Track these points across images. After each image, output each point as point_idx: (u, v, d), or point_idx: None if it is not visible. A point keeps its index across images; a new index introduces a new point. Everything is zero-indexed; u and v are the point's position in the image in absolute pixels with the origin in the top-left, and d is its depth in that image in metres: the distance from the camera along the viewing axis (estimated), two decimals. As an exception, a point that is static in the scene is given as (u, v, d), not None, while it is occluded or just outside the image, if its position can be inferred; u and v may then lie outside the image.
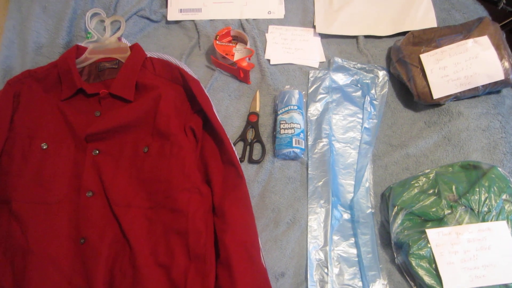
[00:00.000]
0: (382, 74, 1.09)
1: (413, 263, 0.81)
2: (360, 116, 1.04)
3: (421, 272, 0.80)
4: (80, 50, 1.01)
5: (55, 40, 1.13)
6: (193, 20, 1.18)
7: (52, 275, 0.79)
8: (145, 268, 0.79)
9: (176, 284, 0.78)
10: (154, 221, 0.84)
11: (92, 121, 0.92)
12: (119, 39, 1.09)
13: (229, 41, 1.11)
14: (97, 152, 0.90)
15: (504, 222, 0.83)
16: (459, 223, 0.83)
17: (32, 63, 1.10)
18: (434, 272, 0.80)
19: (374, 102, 1.05)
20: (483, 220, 0.83)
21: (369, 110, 1.04)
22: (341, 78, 1.08)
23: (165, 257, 0.80)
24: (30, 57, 1.11)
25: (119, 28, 1.10)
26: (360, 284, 0.85)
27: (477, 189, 0.85)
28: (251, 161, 0.99)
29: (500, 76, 0.95)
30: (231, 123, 1.03)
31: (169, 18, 1.18)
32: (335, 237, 0.91)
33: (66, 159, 0.89)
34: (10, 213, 0.83)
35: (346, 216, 0.93)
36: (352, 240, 0.90)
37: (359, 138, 1.01)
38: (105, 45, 1.02)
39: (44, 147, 0.89)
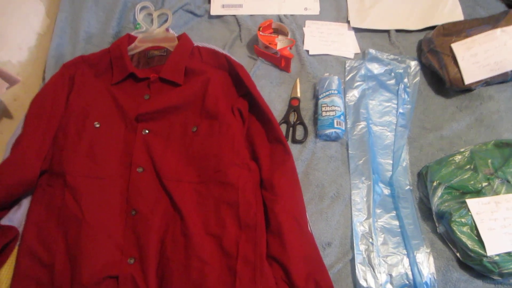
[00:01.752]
0: (414, 64, 1.16)
1: (456, 230, 0.86)
2: (395, 102, 1.11)
3: (464, 238, 0.85)
4: (131, 39, 1.07)
5: (105, 30, 1.20)
6: (234, 15, 1.26)
7: (105, 243, 0.82)
8: (197, 236, 0.81)
9: (228, 251, 0.81)
10: (204, 194, 0.87)
11: (141, 104, 0.96)
12: (167, 30, 1.16)
13: (271, 33, 1.18)
14: (147, 131, 0.94)
15: (539, 192, 0.88)
16: (497, 193, 0.89)
17: (82, 51, 1.16)
18: (476, 237, 0.85)
19: (408, 89, 1.12)
20: (519, 191, 0.89)
21: (403, 96, 1.10)
22: (375, 68, 1.15)
23: (216, 227, 0.83)
24: (81, 45, 1.18)
25: (166, 21, 1.17)
26: (404, 252, 0.90)
27: (512, 163, 0.91)
28: (294, 141, 1.04)
29: (528, 61, 1.02)
30: (273, 107, 1.09)
31: (212, 12, 1.26)
32: (378, 210, 0.96)
33: (117, 138, 0.94)
34: (64, 185, 0.87)
35: (387, 191, 0.99)
36: (394, 213, 0.95)
37: (395, 122, 1.08)
38: (153, 35, 1.08)
39: (97, 126, 0.94)
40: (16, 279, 0.81)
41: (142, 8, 1.20)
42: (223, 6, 1.27)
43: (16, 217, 0.88)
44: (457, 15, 1.21)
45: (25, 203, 0.90)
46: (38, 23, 1.21)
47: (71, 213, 0.84)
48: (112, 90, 0.99)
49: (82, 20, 1.21)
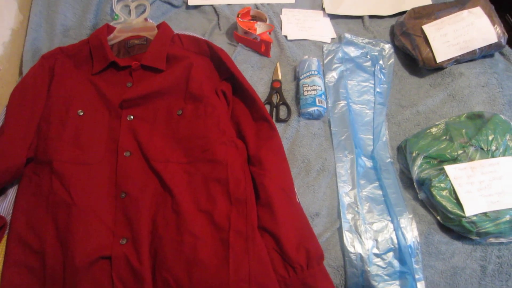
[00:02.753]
0: (388, 47, 1.21)
1: (436, 194, 0.90)
2: (372, 82, 1.15)
3: (443, 201, 0.89)
4: (110, 29, 1.07)
5: (82, 23, 1.20)
6: (212, 5, 1.28)
7: (96, 226, 0.82)
8: (188, 213, 0.82)
9: (220, 225, 0.82)
10: (193, 173, 0.88)
11: (124, 91, 0.96)
12: (146, 19, 1.17)
13: (249, 20, 1.21)
14: (132, 117, 0.94)
15: (510, 157, 0.94)
16: (472, 160, 0.94)
17: (59, 44, 1.15)
18: (455, 200, 0.89)
19: (383, 70, 1.17)
20: (492, 157, 0.94)
21: (379, 77, 1.15)
22: (352, 51, 1.20)
23: (207, 204, 0.84)
24: (58, 38, 1.17)
25: (143, 12, 1.18)
26: (388, 218, 0.93)
27: (484, 132, 0.96)
28: (278, 120, 1.07)
29: (493, 39, 1.09)
30: (256, 89, 1.10)
31: (190, 3, 1.28)
32: (362, 181, 0.99)
33: (102, 125, 0.93)
34: (51, 172, 0.86)
35: (369, 164, 1.02)
36: (377, 184, 0.99)
37: (373, 101, 1.12)
38: (133, 25, 1.08)
39: (81, 114, 0.93)
40: (7, 267, 0.80)
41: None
42: (201, -4, 1.29)
43: (3, 206, 0.88)
44: (426, 1, 1.28)
45: (11, 192, 0.90)
46: (11, 19, 1.20)
47: (60, 198, 0.84)
48: (93, 80, 0.99)
49: (57, 13, 1.20)
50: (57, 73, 0.99)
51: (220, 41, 1.21)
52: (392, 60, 1.19)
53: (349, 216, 0.93)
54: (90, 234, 0.81)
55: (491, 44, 1.10)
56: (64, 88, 0.97)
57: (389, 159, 1.02)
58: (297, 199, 0.90)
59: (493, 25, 1.09)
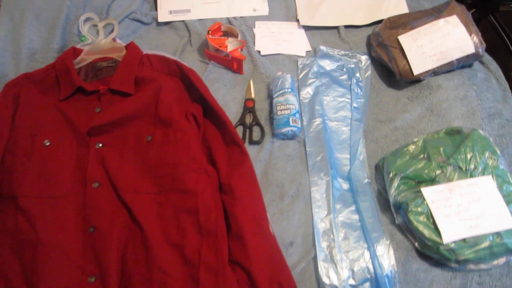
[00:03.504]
0: (364, 58, 1.17)
1: (413, 220, 0.87)
2: (349, 96, 1.12)
3: (420, 227, 0.86)
4: (76, 52, 1.03)
5: (49, 45, 1.16)
6: (183, 21, 1.24)
7: (63, 264, 0.80)
8: (157, 248, 0.80)
9: (190, 260, 0.80)
10: (164, 204, 0.86)
11: (92, 118, 0.93)
12: (114, 40, 1.13)
13: (220, 36, 1.17)
14: (101, 145, 0.91)
15: (490, 176, 0.90)
16: (450, 180, 0.90)
17: (26, 69, 1.12)
18: (433, 226, 0.86)
19: (360, 84, 1.13)
20: (471, 176, 0.91)
21: (356, 91, 1.11)
22: (327, 64, 1.16)
23: (177, 236, 0.82)
24: (24, 63, 1.13)
25: (112, 31, 1.15)
26: (365, 245, 0.90)
27: (463, 149, 0.93)
28: (251, 142, 1.04)
29: (471, 49, 1.06)
30: (229, 109, 1.08)
31: (160, 19, 1.24)
32: (338, 206, 0.96)
33: (69, 154, 0.90)
34: (16, 209, 0.83)
35: (346, 186, 0.99)
36: (353, 207, 0.96)
37: (350, 117, 1.08)
38: (100, 46, 1.05)
39: (47, 144, 0.90)
40: None
41: (86, 19, 1.16)
42: (170, 12, 1.25)
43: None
44: (402, 9, 1.24)
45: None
46: (-24, 43, 1.16)
47: (25, 237, 0.81)
48: (60, 106, 0.96)
49: (23, 37, 1.16)
50: (22, 102, 0.96)
51: (192, 59, 1.17)
52: (369, 72, 1.15)
53: (324, 244, 0.90)
54: (57, 273, 0.79)
55: (468, 55, 1.06)
56: (30, 117, 0.94)
57: (366, 180, 0.99)
58: (270, 228, 0.87)
59: (470, 35, 1.05)
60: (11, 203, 0.85)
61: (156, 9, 1.26)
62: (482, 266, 0.84)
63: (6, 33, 1.18)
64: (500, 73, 1.12)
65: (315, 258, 0.88)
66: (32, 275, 0.78)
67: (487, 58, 1.13)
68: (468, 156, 0.92)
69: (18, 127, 0.93)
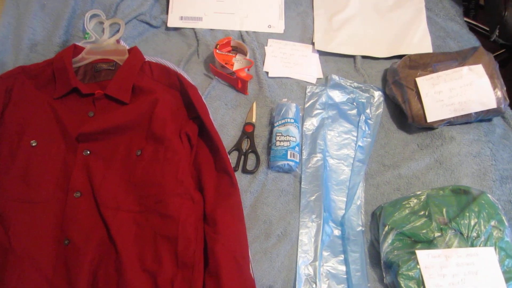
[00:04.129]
0: (377, 94, 1.10)
1: (402, 284, 0.81)
2: (355, 134, 1.05)
3: (409, 293, 0.80)
4: (77, 50, 1.00)
5: (51, 38, 1.11)
6: (193, 28, 1.18)
7: (32, 276, 0.77)
8: (130, 272, 0.77)
9: None
10: (143, 225, 0.83)
11: (85, 121, 0.90)
12: (118, 41, 1.08)
13: (229, 51, 1.11)
14: (88, 152, 0.88)
15: (492, 248, 0.84)
16: (449, 246, 0.84)
17: (25, 60, 1.08)
18: (422, 293, 0.81)
19: (369, 121, 1.06)
20: (472, 245, 0.84)
21: (363, 129, 1.05)
22: (337, 95, 1.09)
23: (152, 263, 0.79)
24: (24, 53, 1.09)
25: (118, 31, 1.10)
26: (348, 302, 0.85)
27: (467, 214, 0.86)
28: (245, 171, 0.98)
29: (492, 104, 0.98)
30: (226, 132, 1.03)
31: (169, 24, 1.18)
32: (325, 253, 0.90)
33: (55, 158, 0.87)
34: None
35: (337, 232, 0.93)
36: (342, 257, 0.90)
37: (353, 156, 1.02)
38: (103, 47, 1.02)
39: (33, 144, 0.87)
40: None
41: (93, 16, 1.12)
42: (181, 18, 1.18)
43: None
44: (426, 46, 1.16)
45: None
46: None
47: None
48: (54, 104, 0.92)
49: (26, 26, 1.11)
50: (14, 96, 0.92)
51: (197, 71, 1.12)
52: (380, 110, 1.08)
53: (305, 294, 0.84)
54: (24, 284, 0.76)
55: (489, 109, 0.98)
56: (20, 113, 0.91)
57: (360, 227, 0.93)
58: (250, 269, 0.83)
59: (494, 89, 0.98)
60: (-12, 205, 0.82)
61: (167, 13, 1.20)
62: None
63: (9, 20, 1.14)
64: (521, 130, 1.04)
65: (292, 308, 0.83)
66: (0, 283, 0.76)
67: (510, 113, 1.05)
68: (472, 222, 0.86)
69: (7, 122, 0.90)
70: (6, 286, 0.75)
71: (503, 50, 1.48)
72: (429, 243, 0.85)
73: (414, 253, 0.83)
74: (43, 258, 0.79)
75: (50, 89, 0.94)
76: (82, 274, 0.78)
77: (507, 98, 0.99)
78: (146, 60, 1.00)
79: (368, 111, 1.08)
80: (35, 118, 0.90)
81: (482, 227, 0.85)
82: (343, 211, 0.95)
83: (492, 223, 0.86)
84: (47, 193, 0.84)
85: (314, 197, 0.95)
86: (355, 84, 1.12)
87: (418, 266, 0.82)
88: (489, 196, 0.89)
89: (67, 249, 0.80)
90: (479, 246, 0.84)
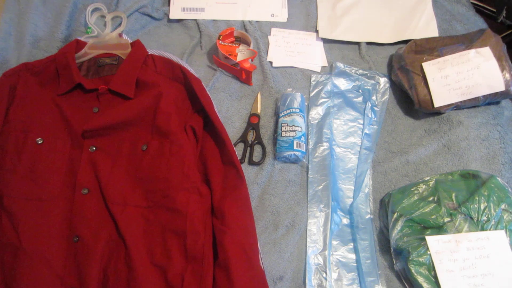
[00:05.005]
0: (383, 81, 1.09)
1: (413, 270, 0.81)
2: (361, 121, 1.04)
3: (420, 279, 0.80)
4: (79, 45, 0.99)
5: (54, 33, 1.11)
6: (195, 20, 1.17)
7: (43, 273, 0.77)
8: (140, 267, 0.77)
9: (172, 285, 0.77)
10: (151, 220, 0.83)
11: (89, 117, 0.90)
12: (120, 35, 1.07)
13: (232, 42, 1.10)
14: (94, 148, 0.88)
15: (503, 231, 0.83)
16: (459, 231, 0.84)
17: (28, 56, 1.08)
18: (433, 279, 0.80)
19: (375, 108, 1.05)
20: (482, 229, 0.84)
21: (369, 116, 1.04)
22: (342, 83, 1.08)
23: (161, 257, 0.79)
24: (27, 50, 1.09)
25: (120, 24, 1.09)
26: (358, 289, 0.85)
27: (477, 198, 0.86)
28: (251, 162, 0.98)
29: (501, 87, 0.96)
30: (231, 124, 1.03)
31: (171, 16, 1.18)
32: (334, 242, 0.90)
33: (62, 155, 0.87)
34: (1, 209, 0.81)
35: (346, 221, 0.93)
36: (351, 246, 0.90)
37: (360, 144, 1.01)
38: (105, 41, 1.01)
39: (39, 142, 0.87)
40: None
41: (94, 10, 1.11)
42: (183, 9, 1.18)
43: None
44: (432, 30, 1.14)
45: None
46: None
47: (7, 240, 0.79)
48: (58, 101, 0.92)
49: (28, 22, 1.11)
50: (18, 94, 0.92)
51: (200, 63, 1.11)
52: (386, 96, 1.07)
53: (315, 283, 0.84)
54: (36, 282, 0.76)
55: (497, 92, 0.97)
56: (25, 111, 0.90)
57: (369, 215, 0.93)
58: (259, 261, 0.83)
59: (502, 71, 0.96)
60: (-4, 202, 0.82)
61: (169, 4, 1.19)
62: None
63: (11, 16, 1.13)
64: (530, 112, 1.03)
65: (303, 297, 0.83)
66: (11, 280, 0.76)
67: (518, 95, 1.04)
68: (482, 206, 0.85)
69: (12, 120, 0.89)
70: (18, 284, 0.75)
71: (511, 31, 1.46)
72: (439, 229, 0.85)
73: (424, 239, 0.83)
74: (53, 256, 0.79)
75: (54, 85, 0.94)
76: (93, 270, 0.78)
77: (516, 80, 0.98)
78: (149, 53, 1.00)
79: (374, 98, 1.07)
80: (40, 116, 0.90)
81: (492, 211, 0.84)
82: (351, 200, 0.95)
83: (502, 206, 0.85)
84: (55, 191, 0.84)
85: (321, 186, 0.95)
86: (361, 71, 1.10)
87: (428, 252, 0.82)
88: (499, 179, 0.88)
89: (76, 246, 0.80)
90: (490, 230, 0.83)
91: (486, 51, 0.97)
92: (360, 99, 1.07)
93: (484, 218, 0.84)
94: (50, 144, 0.88)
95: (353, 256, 0.89)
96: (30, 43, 1.10)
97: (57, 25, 1.12)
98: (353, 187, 0.97)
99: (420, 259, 0.82)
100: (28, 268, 0.77)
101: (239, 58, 1.04)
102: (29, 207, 0.82)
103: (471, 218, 0.85)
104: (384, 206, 0.93)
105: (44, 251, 0.79)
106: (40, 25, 1.12)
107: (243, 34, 1.10)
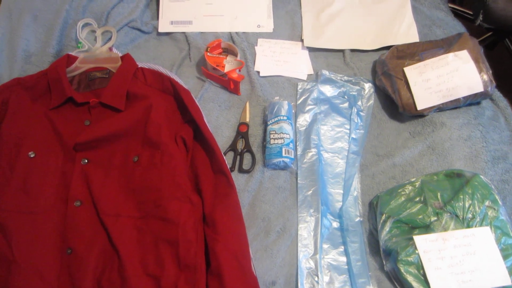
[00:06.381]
0: (368, 86, 1.12)
1: (402, 270, 0.83)
2: (348, 127, 1.07)
3: (409, 278, 0.82)
4: (70, 59, 1.01)
5: (45, 49, 1.13)
6: (184, 32, 1.20)
7: (37, 286, 0.78)
8: (134, 278, 0.78)
9: None
10: (144, 230, 0.84)
11: (81, 130, 0.92)
12: (110, 49, 1.10)
13: (220, 53, 1.13)
14: (86, 161, 0.89)
15: (488, 228, 0.86)
16: (445, 229, 0.86)
17: (20, 71, 1.10)
18: (423, 278, 0.82)
19: (361, 113, 1.08)
20: (468, 226, 0.86)
21: (356, 121, 1.06)
22: (328, 90, 1.11)
23: (154, 267, 0.80)
24: (19, 65, 1.11)
25: (110, 39, 1.11)
26: (350, 291, 0.86)
27: (461, 196, 0.88)
28: (241, 170, 1.00)
29: (479, 88, 1.00)
30: (221, 133, 1.05)
31: (160, 29, 1.20)
32: (325, 246, 0.92)
33: (54, 168, 0.89)
34: None
35: (335, 224, 0.95)
36: (342, 248, 0.92)
37: (347, 148, 1.04)
38: (96, 55, 1.03)
39: (32, 156, 0.89)
40: None
41: (85, 25, 1.13)
42: (171, 22, 1.20)
43: None
44: (412, 36, 1.18)
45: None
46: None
47: (0, 253, 0.79)
48: (50, 115, 0.94)
49: (20, 38, 1.13)
50: (10, 109, 0.94)
51: (189, 74, 1.13)
52: (371, 101, 1.10)
53: (307, 286, 0.86)
54: None
55: (476, 93, 1.00)
56: (17, 125, 0.92)
57: (358, 218, 0.95)
58: (252, 267, 0.84)
59: (480, 72, 0.99)
60: (-11, 217, 0.83)
61: (157, 18, 1.22)
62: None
63: (3, 32, 1.16)
64: (509, 111, 1.06)
65: (296, 301, 0.85)
66: None
67: (497, 94, 1.07)
68: (467, 204, 0.87)
69: (4, 135, 0.91)
70: None
71: (490, 33, 1.50)
72: (426, 228, 0.87)
73: (412, 239, 0.85)
74: (46, 268, 0.80)
75: (45, 99, 0.96)
76: (86, 282, 0.79)
77: (494, 81, 1.01)
78: (139, 66, 1.02)
79: (359, 103, 1.09)
80: (32, 130, 0.91)
81: (477, 208, 0.87)
82: (341, 203, 0.97)
83: (486, 203, 0.88)
84: (48, 204, 0.85)
85: (311, 191, 0.97)
86: (345, 78, 1.13)
87: (416, 251, 0.84)
88: (482, 177, 0.91)
89: (70, 258, 0.81)
90: (475, 226, 0.86)
91: (464, 54, 1.01)
92: (346, 105, 1.10)
93: (469, 215, 0.87)
94: (43, 158, 0.89)
95: (344, 258, 0.91)
96: (22, 59, 1.12)
97: (49, 40, 1.14)
98: (342, 191, 0.99)
99: (409, 259, 0.83)
100: (22, 281, 0.77)
101: (227, 68, 1.07)
102: (22, 220, 0.83)
103: (457, 216, 0.87)
104: (373, 208, 0.95)
105: (37, 264, 0.80)
106: (31, 40, 1.15)
107: (230, 45, 1.12)
